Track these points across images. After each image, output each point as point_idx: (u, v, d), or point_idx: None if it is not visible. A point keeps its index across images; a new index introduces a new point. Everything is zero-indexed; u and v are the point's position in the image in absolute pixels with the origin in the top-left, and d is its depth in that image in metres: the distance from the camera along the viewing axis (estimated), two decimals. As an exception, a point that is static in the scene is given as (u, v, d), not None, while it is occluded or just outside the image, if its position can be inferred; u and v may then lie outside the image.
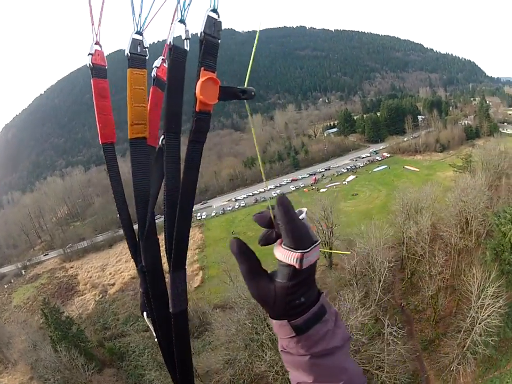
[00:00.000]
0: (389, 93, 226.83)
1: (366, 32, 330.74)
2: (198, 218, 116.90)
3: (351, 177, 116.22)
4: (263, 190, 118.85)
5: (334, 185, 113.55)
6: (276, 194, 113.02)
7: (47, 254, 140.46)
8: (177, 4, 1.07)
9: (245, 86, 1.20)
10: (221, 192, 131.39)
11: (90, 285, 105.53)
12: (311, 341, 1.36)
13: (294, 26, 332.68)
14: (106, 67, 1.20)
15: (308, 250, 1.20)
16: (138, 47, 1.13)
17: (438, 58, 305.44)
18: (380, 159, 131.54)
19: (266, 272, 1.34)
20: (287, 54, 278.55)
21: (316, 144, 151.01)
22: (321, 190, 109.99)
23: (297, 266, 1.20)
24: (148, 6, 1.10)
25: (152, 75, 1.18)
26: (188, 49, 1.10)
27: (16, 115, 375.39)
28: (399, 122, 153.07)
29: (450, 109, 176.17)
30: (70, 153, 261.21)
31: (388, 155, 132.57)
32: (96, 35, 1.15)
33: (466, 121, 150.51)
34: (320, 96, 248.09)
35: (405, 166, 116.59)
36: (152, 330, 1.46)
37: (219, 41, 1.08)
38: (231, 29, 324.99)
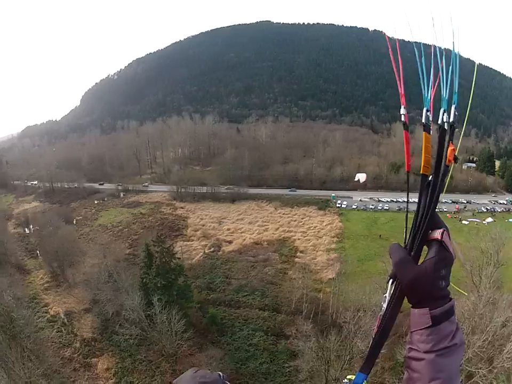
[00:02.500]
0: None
1: (507, 75, 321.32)
2: (337, 205, 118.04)
3: (489, 219, 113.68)
4: (411, 201, 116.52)
5: (475, 221, 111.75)
6: None
7: (153, 187, 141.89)
8: (442, 96, 1.73)
9: (456, 152, 1.71)
10: (363, 187, 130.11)
11: (202, 233, 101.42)
12: (439, 336, 1.69)
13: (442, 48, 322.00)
14: (408, 124, 1.85)
15: (447, 231, 1.74)
16: (427, 120, 1.73)
17: None
18: None
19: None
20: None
21: (458, 172, 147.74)
22: (464, 222, 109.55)
23: (439, 238, 1.69)
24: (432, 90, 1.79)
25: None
26: (446, 128, 1.71)
27: (150, 53, 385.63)
28: None
29: None
30: (200, 103, 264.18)
31: None
32: (403, 103, 1.81)
33: None
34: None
35: None
36: (387, 296, 1.85)
37: (456, 125, 1.72)
38: (382, 31, 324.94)
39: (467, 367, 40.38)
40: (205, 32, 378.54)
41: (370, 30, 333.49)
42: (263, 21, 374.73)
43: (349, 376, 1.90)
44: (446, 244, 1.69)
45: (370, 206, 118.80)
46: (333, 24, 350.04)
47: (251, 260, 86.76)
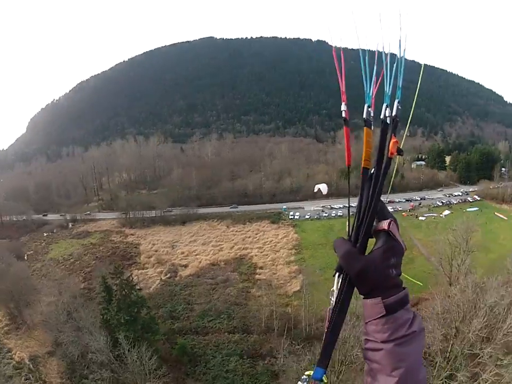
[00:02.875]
0: (469, 139, 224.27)
1: (453, 73, 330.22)
2: (290, 217, 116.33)
3: (447, 212, 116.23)
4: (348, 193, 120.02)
5: (432, 215, 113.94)
6: None
7: (102, 214, 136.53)
8: (385, 92, 1.73)
9: (401, 145, 1.75)
10: (313, 196, 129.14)
11: (156, 259, 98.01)
12: (396, 324, 1.65)
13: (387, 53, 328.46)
14: (349, 119, 1.80)
15: (395, 221, 1.72)
16: (369, 115, 1.72)
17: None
18: (472, 200, 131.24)
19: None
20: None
21: (409, 171, 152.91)
22: (420, 218, 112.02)
23: (386, 228, 1.68)
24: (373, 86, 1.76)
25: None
26: (388, 122, 1.72)
27: (94, 75, 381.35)
28: (488, 168, 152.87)
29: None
30: (143, 125, 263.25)
31: (478, 198, 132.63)
32: (344, 99, 1.77)
33: None
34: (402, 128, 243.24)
35: (495, 213, 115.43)
36: (335, 290, 1.79)
37: (399, 120, 1.74)
38: (325, 41, 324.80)
39: (469, 351, 42.73)
40: (148, 51, 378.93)
41: (313, 40, 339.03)
42: (205, 37, 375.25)
43: (307, 372, 1.83)
44: (393, 234, 1.71)
45: (324, 214, 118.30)
46: (275, 37, 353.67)
47: (210, 282, 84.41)
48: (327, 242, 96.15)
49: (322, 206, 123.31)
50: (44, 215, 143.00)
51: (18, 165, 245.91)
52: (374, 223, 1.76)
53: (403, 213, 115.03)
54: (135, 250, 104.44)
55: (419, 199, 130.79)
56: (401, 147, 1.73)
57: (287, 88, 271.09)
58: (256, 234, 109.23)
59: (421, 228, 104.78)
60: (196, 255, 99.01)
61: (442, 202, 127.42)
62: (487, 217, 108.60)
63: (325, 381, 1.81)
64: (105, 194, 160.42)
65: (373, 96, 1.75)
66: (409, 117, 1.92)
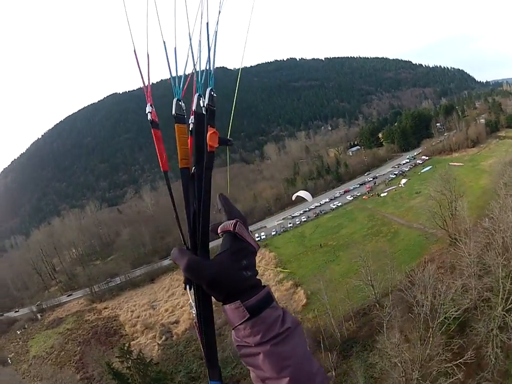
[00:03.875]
0: (391, 111, 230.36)
1: (355, 57, 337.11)
2: (257, 239, 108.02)
3: (404, 180, 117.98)
4: (319, 204, 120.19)
5: (392, 188, 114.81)
6: (335, 206, 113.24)
7: (71, 295, 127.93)
8: (197, 81, 1.61)
9: (228, 136, 1.68)
10: (268, 213, 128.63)
11: (142, 325, 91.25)
12: (265, 325, 1.48)
13: (285, 59, 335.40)
14: (158, 121, 1.65)
15: (242, 223, 1.56)
16: (180, 109, 1.60)
17: (429, 72, 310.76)
18: (421, 162, 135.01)
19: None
20: (282, 87, 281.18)
21: (350, 159, 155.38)
22: (382, 195, 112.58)
23: (231, 229, 1.52)
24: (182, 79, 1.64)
25: (190, 128, 1.64)
26: (204, 112, 1.56)
27: (14, 159, 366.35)
28: (423, 129, 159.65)
29: (464, 111, 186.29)
30: (74, 197, 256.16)
31: (427, 158, 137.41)
32: (148, 98, 1.62)
33: (482, 119, 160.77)
34: (322, 124, 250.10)
35: (450, 163, 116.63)
36: (192, 302, 1.65)
37: (215, 108, 1.57)
38: (224, 66, 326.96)
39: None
40: (59, 122, 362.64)
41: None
42: (109, 95, 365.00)
43: None
44: (240, 235, 1.55)
45: (289, 225, 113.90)
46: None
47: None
48: (306, 249, 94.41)
49: (283, 218, 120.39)
50: (16, 312, 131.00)
51: None
52: (221, 224, 1.60)
53: (363, 197, 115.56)
54: (116, 324, 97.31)
55: (372, 179, 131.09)
56: (229, 137, 1.64)
57: None
58: None
59: (387, 203, 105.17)
60: (181, 307, 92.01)
61: (395, 174, 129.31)
62: (444, 170, 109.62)
63: None
64: (62, 276, 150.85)
65: (184, 88, 1.63)
66: (231, 115, 1.96)
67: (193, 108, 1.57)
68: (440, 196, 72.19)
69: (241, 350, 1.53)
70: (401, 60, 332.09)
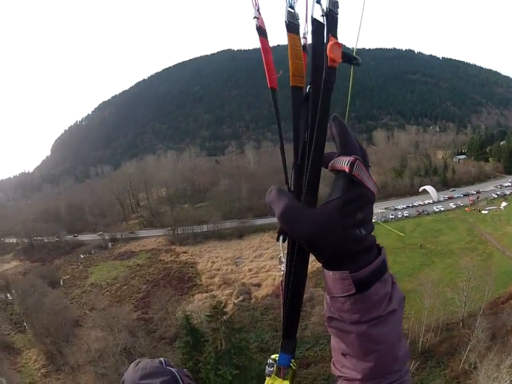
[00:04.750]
0: (498, 129, 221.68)
1: (471, 63, 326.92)
2: None
3: (504, 203, 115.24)
4: (422, 203, 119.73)
5: (493, 208, 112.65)
6: (438, 210, 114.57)
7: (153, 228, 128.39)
8: None
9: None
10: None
11: (221, 279, 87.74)
12: (368, 304, 1.16)
13: (403, 49, 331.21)
14: (266, 29, 1.36)
15: (361, 160, 1.12)
16: (293, 18, 1.27)
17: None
18: None
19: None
20: (398, 76, 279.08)
21: (458, 166, 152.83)
22: (483, 212, 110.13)
23: (347, 170, 1.08)
24: None
25: (302, 43, 1.33)
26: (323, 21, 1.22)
27: (116, 95, 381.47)
28: None
29: None
30: (172, 140, 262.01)
31: None
32: (256, 2, 1.30)
33: None
34: (431, 123, 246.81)
35: None
36: (283, 257, 1.35)
37: (337, 14, 1.21)
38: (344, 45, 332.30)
39: None
40: (168, 68, 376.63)
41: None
42: (223, 50, 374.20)
43: (273, 356, 1.55)
44: (358, 178, 1.10)
45: (391, 216, 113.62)
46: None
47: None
48: (404, 246, 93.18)
49: (386, 208, 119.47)
50: (74, 236, 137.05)
51: (46, 187, 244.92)
52: (333, 161, 1.15)
53: (466, 208, 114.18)
54: (192, 271, 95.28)
55: (475, 192, 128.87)
56: (354, 54, 1.29)
57: None
58: None
59: (487, 221, 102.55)
60: (266, 271, 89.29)
61: (497, 194, 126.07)
62: None
63: (294, 368, 1.60)
64: (144, 211, 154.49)
65: None
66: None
67: (311, 14, 1.21)
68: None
69: (332, 322, 1.26)
70: None
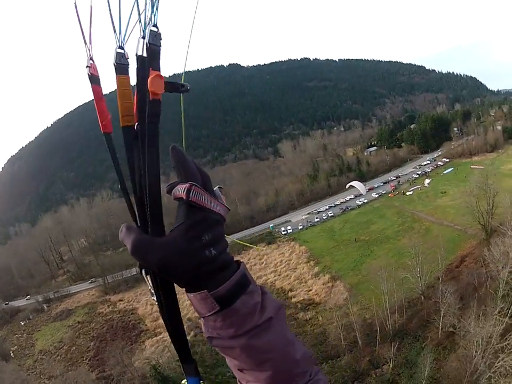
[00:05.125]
0: (405, 115, 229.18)
1: (369, 59, 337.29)
2: (283, 233, 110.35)
3: (427, 180, 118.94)
4: (344, 200, 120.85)
5: (417, 187, 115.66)
6: (361, 203, 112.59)
7: (91, 281, 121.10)
8: (140, 23, 1.28)
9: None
10: (292, 207, 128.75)
11: None
12: (240, 316, 1.19)
13: (298, 59, 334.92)
14: (99, 76, 1.41)
15: (199, 187, 1.16)
16: (122, 59, 1.33)
17: (442, 78, 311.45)
18: (442, 164, 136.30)
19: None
20: (295, 86, 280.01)
21: (372, 158, 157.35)
22: (408, 193, 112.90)
23: (184, 197, 1.13)
24: (125, 26, 1.32)
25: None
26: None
27: (22, 147, 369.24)
28: (442, 132, 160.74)
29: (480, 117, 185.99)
30: (81, 187, 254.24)
31: (447, 160, 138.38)
32: (89, 50, 1.35)
33: (499, 126, 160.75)
34: (334, 124, 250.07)
35: (471, 166, 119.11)
36: (151, 288, 1.32)
37: (160, 48, 1.26)
38: (237, 63, 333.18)
39: None
40: (69, 112, 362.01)
41: (225, 65, 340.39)
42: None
43: (183, 381, 1.46)
44: (197, 203, 1.15)
45: (315, 219, 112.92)
46: (188, 71, 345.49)
47: None
48: (337, 244, 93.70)
49: (308, 213, 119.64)
50: (6, 304, 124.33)
51: None
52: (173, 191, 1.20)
53: (389, 195, 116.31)
54: (134, 317, 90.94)
55: (395, 178, 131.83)
56: (182, 82, 1.35)
57: (212, 117, 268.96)
58: (260, 259, 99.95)
59: (414, 201, 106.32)
60: None
61: (417, 174, 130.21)
62: (465, 172, 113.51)
63: None
64: (70, 265, 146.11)
65: (130, 33, 1.33)
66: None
67: (137, 52, 1.27)
68: (479, 192, 74.39)
69: (213, 342, 1.26)
70: (415, 65, 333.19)
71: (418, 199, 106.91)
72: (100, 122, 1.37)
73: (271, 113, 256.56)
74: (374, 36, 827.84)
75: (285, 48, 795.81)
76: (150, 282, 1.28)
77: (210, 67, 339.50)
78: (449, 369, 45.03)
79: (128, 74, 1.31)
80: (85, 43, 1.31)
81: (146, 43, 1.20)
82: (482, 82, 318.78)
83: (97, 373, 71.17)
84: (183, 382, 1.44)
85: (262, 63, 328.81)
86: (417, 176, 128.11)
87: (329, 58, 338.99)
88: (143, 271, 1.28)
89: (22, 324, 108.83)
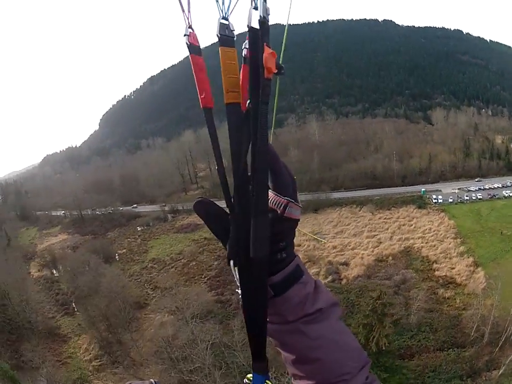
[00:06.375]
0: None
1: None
2: (434, 201, 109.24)
3: None
4: (493, 187, 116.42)
5: None
6: (506, 194, 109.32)
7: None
8: None
9: (280, 62, 1.29)
10: (443, 178, 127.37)
11: (305, 257, 78.67)
12: (291, 304, 1.34)
13: (452, 29, 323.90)
14: (199, 46, 1.36)
15: (293, 201, 1.31)
16: (226, 30, 1.27)
17: None
18: None
19: None
20: (449, 56, 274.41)
21: None
22: None
23: (279, 211, 1.28)
24: None
25: (243, 54, 1.32)
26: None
27: (165, 69, 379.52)
28: None
29: None
30: (222, 113, 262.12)
31: None
32: (188, 19, 1.29)
33: None
34: (483, 106, 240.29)
35: None
36: (237, 281, 1.38)
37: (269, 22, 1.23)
38: (392, 20, 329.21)
39: None
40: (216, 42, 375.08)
41: (380, 20, 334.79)
42: (272, 24, 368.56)
43: (248, 376, 1.59)
44: (287, 216, 1.30)
45: (465, 198, 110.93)
46: (343, 19, 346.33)
47: (388, 284, 67.28)
48: (482, 229, 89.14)
49: (459, 188, 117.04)
50: (133, 207, 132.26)
51: (95, 159, 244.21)
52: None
53: None
54: None
55: None
56: (281, 58, 1.44)
57: (365, 69, 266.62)
58: (409, 221, 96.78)
59: None
60: (351, 249, 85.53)
61: None
62: None
63: None
64: (205, 182, 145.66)
65: (234, 3, 1.25)
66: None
67: (248, 23, 1.21)
68: None
69: (269, 329, 1.40)
70: None
71: None
72: (199, 96, 1.33)
73: (425, 78, 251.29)
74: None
75: (437, 15, 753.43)
76: (237, 274, 1.35)
77: (365, 19, 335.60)
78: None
79: (234, 46, 1.27)
80: (183, 10, 1.24)
81: (261, 15, 1.17)
82: None
83: (215, 295, 68.72)
84: (248, 375, 1.54)
85: (416, 25, 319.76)
86: None
87: (481, 37, 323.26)
88: (231, 262, 1.35)
89: (139, 229, 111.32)
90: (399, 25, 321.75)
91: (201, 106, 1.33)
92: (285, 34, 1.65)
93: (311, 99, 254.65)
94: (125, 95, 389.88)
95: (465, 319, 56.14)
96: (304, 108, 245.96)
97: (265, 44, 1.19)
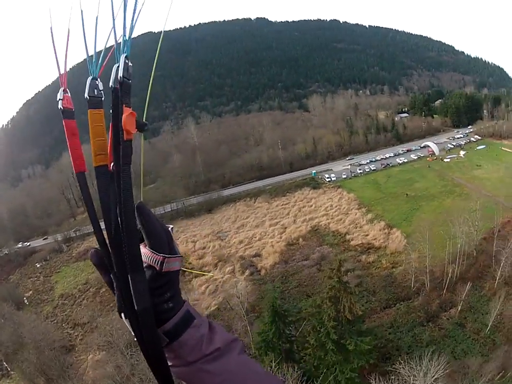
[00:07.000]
0: (432, 89, 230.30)
1: (399, 30, 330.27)
2: (327, 179, 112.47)
3: (462, 152, 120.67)
4: (384, 157, 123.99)
5: (454, 157, 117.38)
6: (401, 162, 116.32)
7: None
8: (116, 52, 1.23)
9: (144, 118, 1.33)
10: (331, 158, 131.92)
11: (214, 257, 79.46)
12: (188, 346, 1.35)
13: (328, 20, 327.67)
14: (73, 109, 1.35)
15: (169, 256, 1.30)
16: (95, 90, 1.26)
17: (470, 61, 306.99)
18: (475, 140, 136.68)
19: None
20: (323, 46, 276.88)
21: (409, 123, 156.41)
22: (445, 160, 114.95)
23: (157, 268, 1.28)
24: (100, 55, 1.29)
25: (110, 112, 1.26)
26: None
27: (39, 91, 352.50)
28: (474, 111, 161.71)
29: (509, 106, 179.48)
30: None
31: (479, 137, 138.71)
32: (63, 83, 1.30)
33: None
34: (360, 88, 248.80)
35: (502, 148, 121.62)
36: (131, 331, 1.35)
37: (130, 81, 1.24)
38: (265, 18, 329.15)
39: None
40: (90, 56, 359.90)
41: (252, 18, 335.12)
42: (144, 33, 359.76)
43: None
44: (166, 271, 1.32)
45: (359, 171, 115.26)
46: (215, 21, 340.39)
47: (308, 264, 70.06)
48: (385, 195, 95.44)
49: (350, 164, 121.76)
50: (44, 239, 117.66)
51: None
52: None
53: (427, 158, 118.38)
54: None
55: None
56: (145, 115, 1.33)
57: (237, 68, 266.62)
58: (307, 202, 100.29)
59: (452, 168, 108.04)
60: (258, 239, 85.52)
61: (452, 144, 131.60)
62: (496, 152, 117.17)
63: None
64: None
65: (106, 60, 1.29)
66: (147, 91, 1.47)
67: (111, 83, 1.20)
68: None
69: (173, 371, 1.40)
70: (444, 43, 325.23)
71: (456, 166, 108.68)
72: (72, 161, 1.31)
73: (298, 69, 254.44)
74: (405, 7, 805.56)
75: (314, 8, 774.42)
76: (129, 325, 1.34)
77: (237, 19, 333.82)
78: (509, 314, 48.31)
79: (102, 107, 1.25)
80: (59, 71, 1.26)
81: (120, 77, 1.18)
82: (509, 74, 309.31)
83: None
84: None
85: (290, 20, 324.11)
86: (452, 146, 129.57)
87: (359, 24, 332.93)
88: (122, 315, 1.35)
89: (38, 266, 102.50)
90: (272, 21, 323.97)
91: (75, 171, 1.34)
92: (160, 43, 1.71)
93: (184, 104, 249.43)
94: (2, 125, 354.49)
95: (399, 275, 61.84)
96: (177, 114, 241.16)
97: (124, 105, 1.19)
